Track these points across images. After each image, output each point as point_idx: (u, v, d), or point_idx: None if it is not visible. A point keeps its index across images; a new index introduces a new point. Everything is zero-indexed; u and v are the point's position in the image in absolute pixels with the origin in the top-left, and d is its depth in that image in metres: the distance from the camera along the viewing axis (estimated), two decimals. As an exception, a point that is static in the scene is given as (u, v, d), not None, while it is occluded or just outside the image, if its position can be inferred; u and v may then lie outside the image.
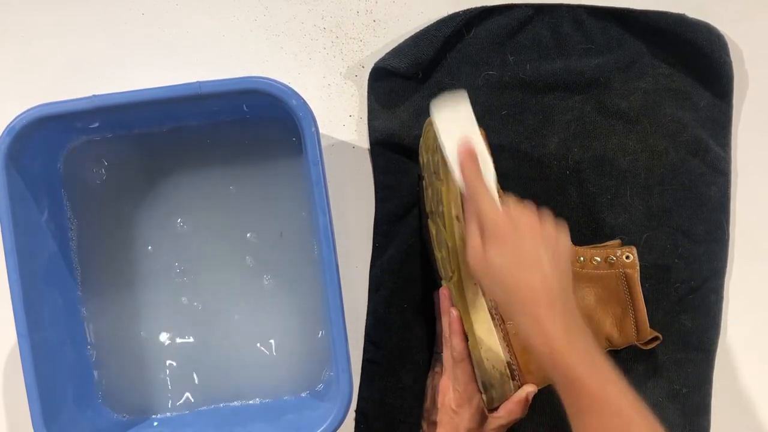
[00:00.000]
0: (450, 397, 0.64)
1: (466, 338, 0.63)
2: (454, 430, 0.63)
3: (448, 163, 0.59)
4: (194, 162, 0.69)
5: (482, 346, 0.62)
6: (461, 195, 0.61)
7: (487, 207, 0.55)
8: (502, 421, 0.62)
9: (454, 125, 0.59)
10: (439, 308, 0.67)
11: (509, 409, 0.62)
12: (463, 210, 0.62)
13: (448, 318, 0.64)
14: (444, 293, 0.65)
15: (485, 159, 0.59)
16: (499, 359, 0.61)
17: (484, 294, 0.63)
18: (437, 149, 0.63)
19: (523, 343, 0.61)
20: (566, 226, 0.58)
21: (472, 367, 0.63)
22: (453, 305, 0.64)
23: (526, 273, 0.53)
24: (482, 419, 0.63)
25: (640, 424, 0.50)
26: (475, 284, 0.63)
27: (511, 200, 0.57)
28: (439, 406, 0.66)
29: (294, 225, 0.69)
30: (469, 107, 0.60)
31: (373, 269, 0.70)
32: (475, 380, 0.63)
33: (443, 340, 0.66)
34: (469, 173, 0.58)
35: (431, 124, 0.65)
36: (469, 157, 0.58)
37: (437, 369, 0.68)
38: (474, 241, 0.56)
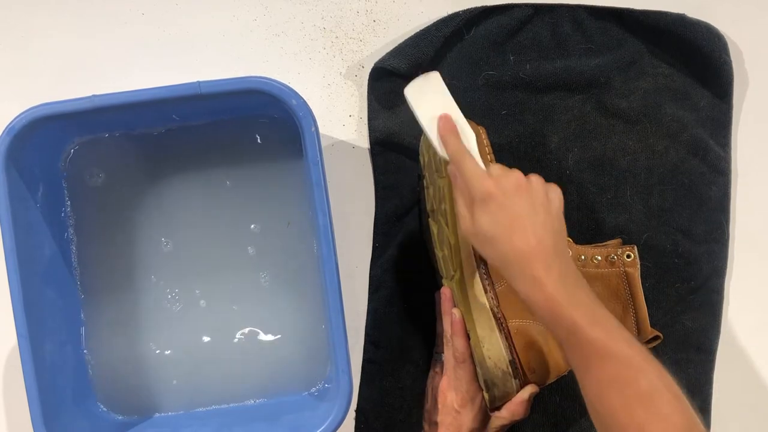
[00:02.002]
0: (452, 398, 0.64)
1: (468, 338, 0.63)
2: (456, 430, 0.63)
3: (428, 138, 0.59)
4: (194, 162, 0.69)
5: (484, 345, 0.62)
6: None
7: (470, 173, 0.55)
8: (505, 422, 0.62)
9: (428, 99, 0.60)
10: (440, 309, 0.67)
11: (512, 410, 0.62)
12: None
13: (450, 319, 0.64)
14: (445, 294, 0.65)
15: (464, 128, 0.59)
16: (501, 357, 0.61)
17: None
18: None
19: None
20: (556, 186, 0.57)
21: (474, 368, 0.63)
22: (455, 306, 0.64)
23: (517, 235, 0.53)
24: (485, 419, 0.63)
25: (648, 372, 0.49)
26: (478, 282, 0.63)
27: (497, 165, 0.56)
28: (440, 406, 0.65)
29: (294, 225, 0.69)
30: (440, 81, 0.60)
31: (373, 269, 0.70)
32: (477, 380, 0.63)
33: (444, 341, 0.66)
34: (450, 143, 0.58)
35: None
36: (447, 128, 0.58)
37: (437, 369, 0.68)
38: (463, 209, 0.56)
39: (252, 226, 0.69)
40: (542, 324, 0.52)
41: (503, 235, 0.53)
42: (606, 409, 0.49)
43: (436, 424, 0.65)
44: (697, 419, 0.49)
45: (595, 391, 0.50)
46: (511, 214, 0.53)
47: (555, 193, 0.57)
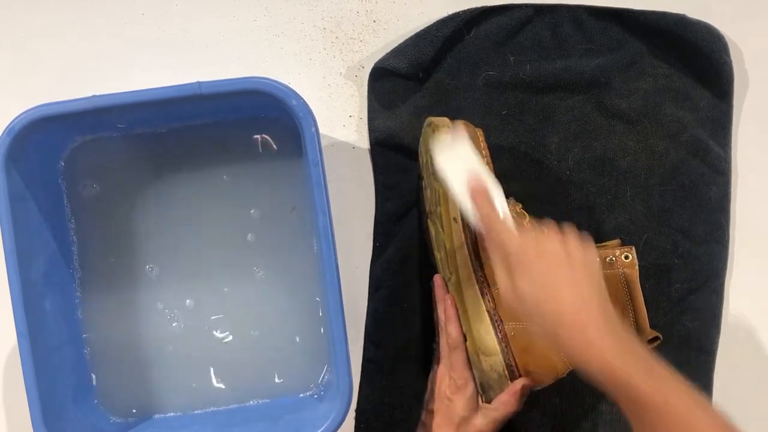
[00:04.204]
0: (446, 385, 0.64)
1: (461, 324, 0.63)
2: (448, 417, 0.63)
3: (460, 205, 0.59)
4: (194, 162, 0.69)
5: (480, 347, 0.62)
6: (476, 233, 0.60)
7: (506, 238, 0.54)
8: (497, 414, 0.62)
9: (457, 164, 0.59)
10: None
11: (503, 401, 0.62)
12: (465, 225, 0.62)
13: (443, 305, 0.64)
14: (437, 281, 0.65)
15: (495, 190, 0.58)
16: (498, 360, 0.61)
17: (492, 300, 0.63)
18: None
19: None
20: (591, 238, 0.56)
21: (467, 354, 0.63)
22: (447, 292, 0.64)
23: (563, 299, 0.52)
24: (477, 407, 0.63)
25: (708, 424, 0.48)
26: (474, 285, 0.63)
27: (531, 225, 0.55)
28: (436, 394, 0.65)
29: (294, 225, 0.69)
30: (467, 141, 0.60)
31: (373, 269, 0.70)
32: (470, 367, 0.63)
33: (438, 329, 0.66)
34: (483, 209, 0.56)
35: (430, 125, 0.65)
36: (479, 193, 0.57)
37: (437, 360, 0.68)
38: (502, 279, 0.55)
39: (251, 227, 0.69)
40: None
41: (547, 300, 0.52)
42: None
43: (431, 412, 0.65)
44: None
45: None
46: (553, 278, 0.52)
47: (590, 247, 0.56)
